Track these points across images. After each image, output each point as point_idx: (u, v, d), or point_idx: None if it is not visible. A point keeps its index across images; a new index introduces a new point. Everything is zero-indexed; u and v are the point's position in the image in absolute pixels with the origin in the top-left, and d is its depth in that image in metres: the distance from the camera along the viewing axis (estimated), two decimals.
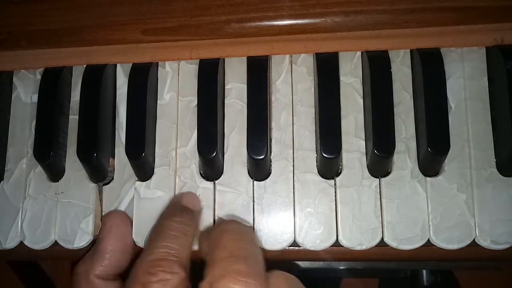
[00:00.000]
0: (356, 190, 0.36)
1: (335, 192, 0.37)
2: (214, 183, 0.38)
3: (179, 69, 0.40)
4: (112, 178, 0.39)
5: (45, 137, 0.39)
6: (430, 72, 0.36)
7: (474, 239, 0.35)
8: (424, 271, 0.57)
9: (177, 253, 0.31)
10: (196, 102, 0.39)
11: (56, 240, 0.38)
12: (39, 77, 0.41)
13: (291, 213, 0.37)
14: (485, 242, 0.35)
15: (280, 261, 0.38)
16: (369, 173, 0.37)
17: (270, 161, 0.38)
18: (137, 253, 0.37)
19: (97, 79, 0.40)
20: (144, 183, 0.38)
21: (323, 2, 0.38)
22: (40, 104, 0.40)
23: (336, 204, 0.36)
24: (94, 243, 0.38)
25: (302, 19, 0.38)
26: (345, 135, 0.37)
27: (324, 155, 0.35)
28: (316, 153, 0.37)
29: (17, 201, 0.40)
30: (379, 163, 0.36)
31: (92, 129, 0.38)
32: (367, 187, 0.36)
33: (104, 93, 0.40)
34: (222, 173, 0.38)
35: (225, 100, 0.39)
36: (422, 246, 0.35)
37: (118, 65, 0.41)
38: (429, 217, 0.35)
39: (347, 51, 0.39)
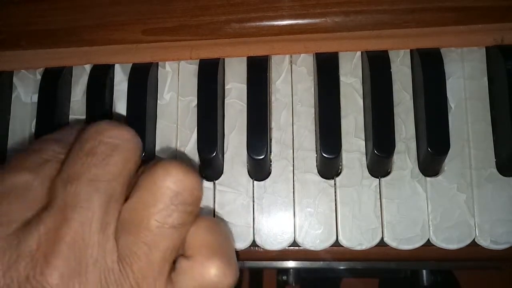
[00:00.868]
0: (356, 190, 0.36)
1: (335, 192, 0.37)
2: (214, 183, 0.38)
3: (179, 69, 0.40)
4: None
5: None
6: (430, 72, 0.36)
7: (474, 239, 0.35)
8: (424, 271, 0.57)
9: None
10: (196, 102, 0.39)
11: None
12: (39, 77, 0.41)
13: (291, 213, 0.37)
14: (485, 242, 0.35)
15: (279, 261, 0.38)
16: (369, 173, 0.37)
17: (270, 161, 0.38)
18: None
19: (103, 79, 0.40)
20: None
21: (323, 2, 0.38)
22: (40, 104, 0.40)
23: (336, 204, 0.36)
24: None
25: (302, 19, 0.38)
26: (345, 135, 0.37)
27: (324, 155, 0.35)
28: (316, 153, 0.37)
29: None
30: (379, 163, 0.36)
31: None
32: (367, 187, 0.36)
33: (109, 93, 0.40)
34: (222, 173, 0.38)
35: (225, 100, 0.39)
36: (422, 246, 0.35)
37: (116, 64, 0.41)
38: (429, 217, 0.35)
39: (347, 51, 0.39)
